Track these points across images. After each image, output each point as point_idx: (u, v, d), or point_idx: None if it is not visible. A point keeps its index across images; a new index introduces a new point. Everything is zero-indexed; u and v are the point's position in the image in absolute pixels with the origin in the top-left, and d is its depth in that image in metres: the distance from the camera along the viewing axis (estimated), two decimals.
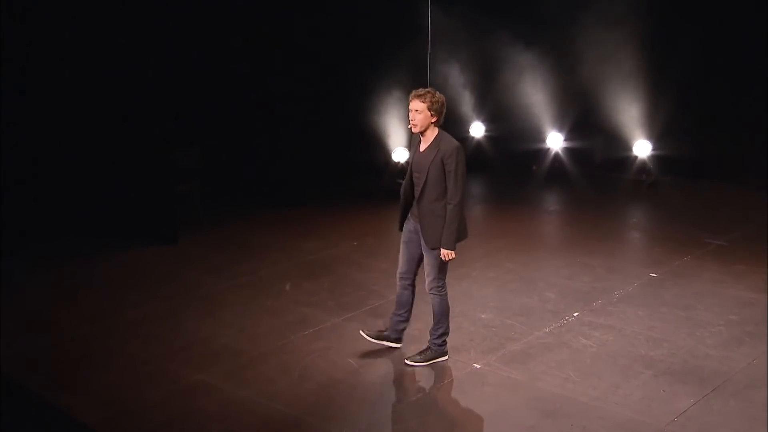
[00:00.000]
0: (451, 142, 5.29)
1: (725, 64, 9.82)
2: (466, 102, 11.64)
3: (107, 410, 5.03)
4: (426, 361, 5.58)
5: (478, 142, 11.55)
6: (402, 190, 5.54)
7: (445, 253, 5.30)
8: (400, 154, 10.33)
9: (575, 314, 6.47)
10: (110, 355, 5.79)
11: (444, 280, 5.51)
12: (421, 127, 5.28)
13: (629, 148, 10.57)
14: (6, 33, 7.68)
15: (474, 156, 11.37)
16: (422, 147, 5.37)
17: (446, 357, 5.67)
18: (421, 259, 5.56)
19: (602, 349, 5.88)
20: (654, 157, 10.45)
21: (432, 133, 5.32)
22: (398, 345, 5.79)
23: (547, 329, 6.16)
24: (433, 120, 5.26)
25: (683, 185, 10.18)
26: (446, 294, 5.54)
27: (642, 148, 10.47)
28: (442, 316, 5.56)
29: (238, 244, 8.22)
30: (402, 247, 5.63)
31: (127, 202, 8.31)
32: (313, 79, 10.07)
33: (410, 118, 5.30)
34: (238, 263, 7.65)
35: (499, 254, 7.91)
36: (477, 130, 11.60)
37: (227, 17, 9.42)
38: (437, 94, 5.26)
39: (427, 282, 5.51)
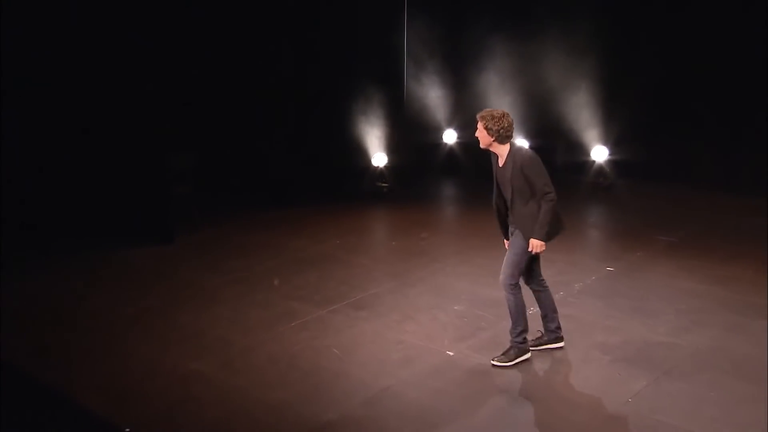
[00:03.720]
0: (525, 153, 5.23)
1: (673, 79, 9.90)
2: (440, 112, 11.66)
3: (111, 398, 5.01)
4: (511, 361, 5.37)
5: (451, 148, 11.58)
6: (494, 205, 5.47)
7: (535, 244, 5.16)
8: (378, 159, 10.34)
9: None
10: (112, 347, 5.76)
11: (518, 279, 5.35)
12: (483, 144, 5.25)
13: (587, 154, 10.64)
14: (12, 37, 7.54)
15: (447, 160, 11.41)
16: (501, 162, 5.29)
17: (529, 354, 5.45)
18: (531, 264, 5.42)
19: (565, 337, 5.83)
20: (610, 162, 10.53)
21: (505, 149, 5.24)
22: (560, 345, 5.63)
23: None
24: (492, 138, 5.17)
25: (637, 187, 10.25)
26: (520, 292, 5.36)
27: (599, 154, 10.54)
28: (518, 315, 5.37)
29: (230, 243, 8.21)
30: (507, 254, 5.45)
31: (126, 204, 8.24)
32: (302, 93, 10.08)
33: (476, 134, 5.28)
34: (230, 261, 7.63)
35: (470, 251, 7.93)
36: (450, 136, 11.63)
37: (227, 36, 9.40)
38: (498, 118, 5.14)
39: (501, 277, 5.36)
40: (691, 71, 9.75)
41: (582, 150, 10.67)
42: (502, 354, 5.44)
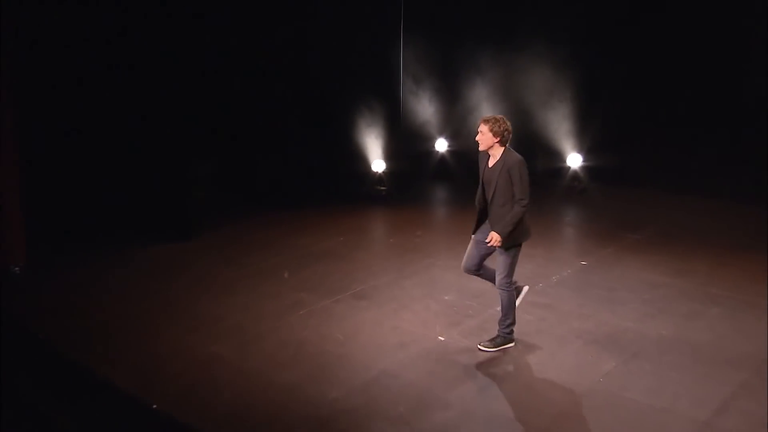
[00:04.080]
0: (515, 157, 5.16)
1: (640, 94, 9.90)
2: (433, 123, 11.67)
3: (140, 377, 5.03)
4: (496, 347, 5.37)
5: (442, 155, 11.57)
6: (477, 199, 5.37)
7: (494, 237, 5.08)
8: (378, 166, 10.34)
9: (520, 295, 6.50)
10: (142, 331, 5.78)
11: (512, 278, 5.30)
12: (484, 145, 5.16)
13: (563, 160, 10.61)
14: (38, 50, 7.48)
15: (439, 166, 11.41)
16: (491, 163, 5.22)
17: (513, 344, 5.43)
18: (481, 260, 5.40)
19: (542, 324, 5.92)
20: (584, 168, 10.52)
21: (499, 151, 5.17)
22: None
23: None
24: (496, 140, 5.11)
25: (607, 190, 10.22)
26: (514, 290, 5.34)
27: (574, 160, 10.53)
28: (509, 309, 5.35)
29: (245, 240, 8.18)
30: (472, 244, 5.43)
31: (153, 206, 8.26)
32: (309, 107, 10.08)
33: (477, 138, 5.18)
34: (244, 256, 7.61)
35: (459, 247, 7.76)
36: (441, 145, 11.63)
37: (243, 56, 9.42)
38: (502, 121, 5.11)
39: (497, 279, 5.31)
40: (655, 88, 9.76)
41: (559, 157, 10.65)
42: (489, 340, 5.44)
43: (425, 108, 11.59)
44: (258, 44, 9.45)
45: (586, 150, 10.50)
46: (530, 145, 10.71)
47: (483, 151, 5.26)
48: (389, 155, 10.59)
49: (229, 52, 9.26)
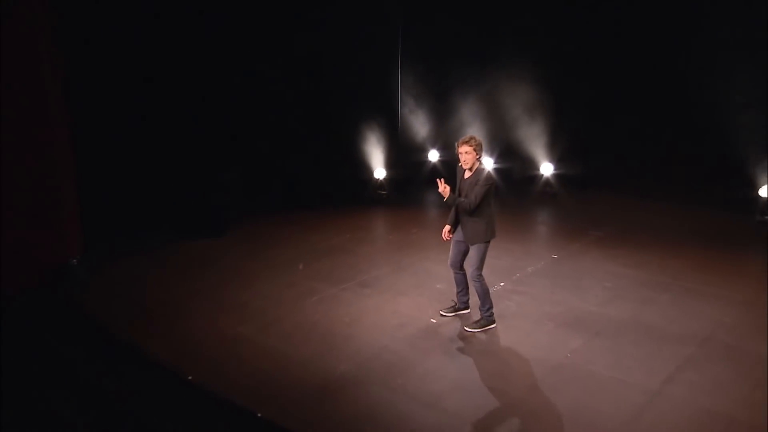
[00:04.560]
0: (487, 173, 5.17)
1: (602, 112, 9.92)
2: (426, 136, 11.70)
3: (177, 353, 5.05)
4: (481, 328, 5.40)
5: (434, 164, 11.61)
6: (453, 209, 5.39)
7: (446, 193, 4.99)
8: (379, 173, 10.38)
9: (501, 284, 6.51)
10: (178, 314, 5.80)
11: (482, 271, 5.29)
12: (470, 164, 5.13)
13: (537, 168, 10.67)
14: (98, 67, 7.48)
15: (431, 173, 11.45)
16: (467, 175, 5.22)
17: (495, 325, 5.45)
18: (465, 254, 5.42)
19: (519, 308, 5.94)
20: (555, 175, 10.56)
21: (475, 166, 5.18)
22: (467, 311, 5.64)
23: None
24: (477, 157, 5.14)
25: (575, 194, 10.26)
26: (484, 280, 5.34)
27: (546, 168, 10.57)
28: (485, 296, 5.38)
29: (265, 237, 8.19)
30: (453, 246, 5.46)
31: (188, 208, 8.29)
32: (319, 123, 10.11)
33: (462, 159, 5.13)
34: (265, 250, 7.62)
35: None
36: (434, 155, 11.67)
37: (264, 79, 9.44)
38: (477, 138, 5.12)
39: (469, 272, 5.36)
40: (613, 105, 9.80)
41: (534, 165, 10.70)
42: (474, 323, 5.48)
43: (420, 124, 11.64)
44: (280, 72, 9.51)
45: (557, 159, 10.54)
46: (510, 155, 10.81)
47: (460, 166, 5.26)
48: (389, 164, 10.63)
49: (255, 76, 9.31)
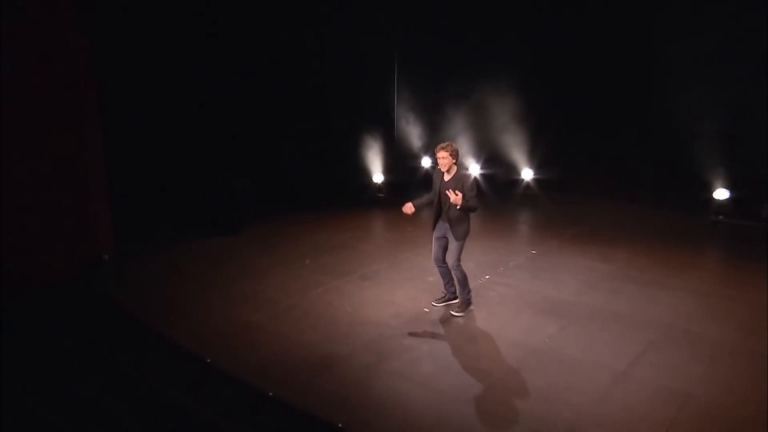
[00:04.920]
0: (467, 175, 5.21)
1: (575, 123, 9.88)
2: (419, 144, 11.70)
3: (197, 338, 5.04)
4: (463, 312, 5.47)
5: (427, 170, 11.60)
6: (434, 206, 5.37)
7: (458, 200, 5.00)
8: (377, 177, 10.38)
9: (486, 276, 6.51)
10: (198, 302, 5.79)
11: (460, 260, 5.32)
12: (446, 166, 5.15)
13: (519, 174, 10.68)
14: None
15: (424, 178, 11.44)
16: (446, 178, 5.24)
17: (473, 306, 5.55)
18: (446, 249, 5.43)
19: (503, 298, 5.95)
20: (534, 180, 10.58)
21: (453, 169, 5.20)
22: (456, 300, 5.63)
23: (470, 286, 6.26)
24: (454, 161, 5.16)
25: (552, 197, 10.26)
26: (464, 269, 5.39)
27: (527, 174, 10.60)
28: (464, 282, 5.43)
29: (276, 235, 8.17)
30: (435, 242, 5.45)
31: (208, 209, 8.28)
32: (324, 133, 10.11)
33: (440, 163, 5.16)
34: (276, 246, 7.60)
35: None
36: (426, 162, 11.67)
37: (275, 95, 9.44)
38: (453, 145, 5.15)
39: (450, 263, 5.39)
40: (587, 118, 9.82)
41: (516, 171, 10.72)
42: (457, 307, 5.54)
43: (414, 133, 11.65)
44: (290, 89, 9.52)
45: (536, 165, 10.56)
46: (494, 162, 10.83)
47: (438, 169, 5.29)
48: (386, 169, 10.63)
49: (272, 95, 9.32)
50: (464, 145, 11.02)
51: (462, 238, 5.30)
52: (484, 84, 10.47)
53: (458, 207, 5.11)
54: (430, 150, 11.61)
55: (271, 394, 4.26)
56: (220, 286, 6.22)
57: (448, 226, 5.32)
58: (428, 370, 4.60)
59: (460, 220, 5.26)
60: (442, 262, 5.54)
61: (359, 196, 10.13)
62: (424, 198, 5.44)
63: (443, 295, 5.76)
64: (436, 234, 5.45)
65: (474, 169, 11.01)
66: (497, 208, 9.74)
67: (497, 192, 10.39)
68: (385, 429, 3.93)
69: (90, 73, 6.22)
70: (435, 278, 6.40)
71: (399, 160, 11.23)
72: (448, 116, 11.17)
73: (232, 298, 5.91)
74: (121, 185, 7.33)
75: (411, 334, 5.18)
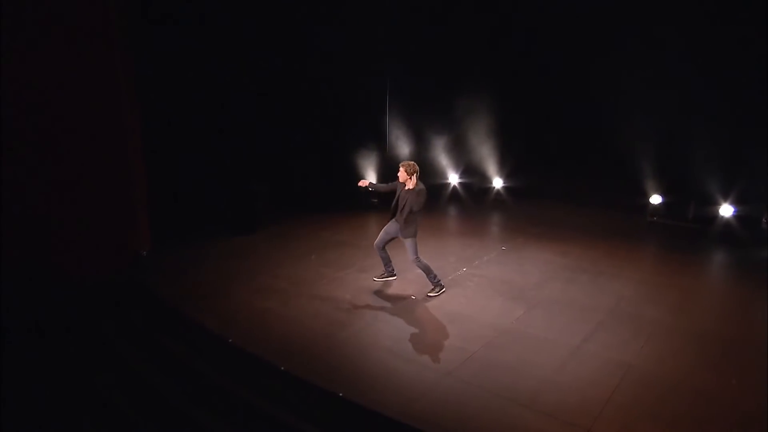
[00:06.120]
0: (421, 190, 5.32)
1: (536, 136, 9.92)
2: (408, 157, 11.64)
3: (219, 321, 5.01)
4: (437, 293, 5.57)
5: None
6: (392, 207, 5.55)
7: (365, 184, 5.47)
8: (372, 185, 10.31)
9: (464, 269, 6.49)
10: (220, 292, 5.74)
11: (418, 255, 5.45)
12: (403, 179, 5.35)
13: (491, 182, 10.69)
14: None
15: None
16: (407, 187, 5.39)
17: (444, 289, 5.64)
18: (389, 242, 5.55)
19: (478, 288, 5.94)
20: (504, 187, 10.59)
21: (412, 182, 5.34)
22: (395, 277, 5.76)
23: (450, 277, 6.22)
24: (409, 176, 5.32)
25: (520, 202, 10.25)
26: (424, 261, 5.50)
27: (497, 182, 10.60)
28: (428, 270, 5.54)
29: (287, 234, 8.09)
30: (382, 232, 5.59)
31: (229, 211, 8.21)
32: (326, 149, 10.07)
33: (399, 175, 5.36)
34: (287, 243, 7.54)
35: (427, 239, 7.60)
36: None
37: (285, 114, 9.40)
38: (411, 163, 5.34)
39: (411, 259, 5.48)
40: (547, 134, 9.85)
41: (488, 180, 10.72)
42: (431, 290, 5.61)
43: (403, 147, 11.62)
44: (300, 110, 9.47)
45: (505, 175, 10.58)
46: (470, 172, 10.83)
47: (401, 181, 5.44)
48: (379, 179, 10.61)
49: (287, 114, 9.26)
50: (444, 158, 11.02)
51: (412, 236, 5.44)
52: (461, 108, 10.50)
53: (370, 189, 5.42)
54: (418, 163, 11.56)
55: (282, 368, 4.25)
56: (239, 278, 6.17)
57: (399, 226, 5.46)
58: (415, 348, 4.62)
59: (408, 222, 5.39)
60: (381, 249, 5.69)
61: (357, 202, 10.10)
62: (382, 185, 5.61)
63: (382, 273, 5.94)
64: (386, 228, 5.60)
65: (454, 178, 11.01)
66: (473, 211, 9.75)
67: (473, 198, 10.42)
68: (380, 398, 3.93)
69: (134, 95, 6.15)
70: (418, 271, 6.37)
71: (390, 171, 11.17)
72: (430, 135, 11.17)
73: (249, 288, 5.87)
74: (157, 191, 7.28)
75: (400, 318, 5.18)
